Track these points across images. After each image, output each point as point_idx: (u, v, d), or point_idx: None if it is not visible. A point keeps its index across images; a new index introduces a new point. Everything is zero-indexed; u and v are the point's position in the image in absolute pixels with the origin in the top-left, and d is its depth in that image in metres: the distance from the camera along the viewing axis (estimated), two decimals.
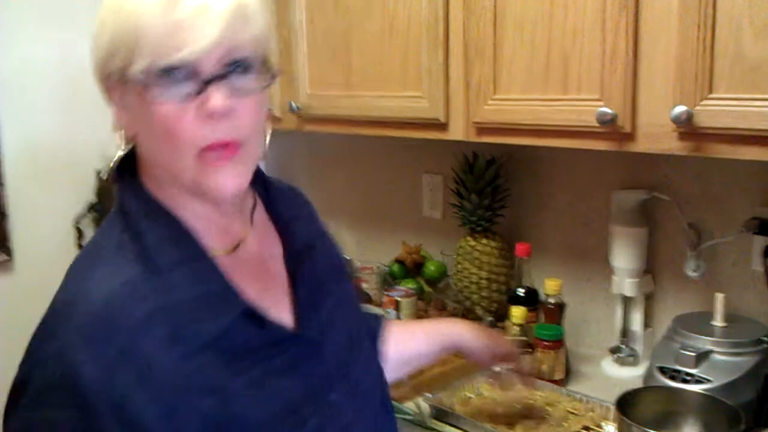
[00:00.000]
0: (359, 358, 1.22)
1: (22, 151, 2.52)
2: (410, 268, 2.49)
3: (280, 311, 1.11)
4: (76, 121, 2.54)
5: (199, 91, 0.94)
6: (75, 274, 1.01)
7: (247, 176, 1.02)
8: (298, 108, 2.26)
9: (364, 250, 2.82)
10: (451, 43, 1.82)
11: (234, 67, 0.96)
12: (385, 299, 2.14)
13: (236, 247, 1.09)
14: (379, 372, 1.29)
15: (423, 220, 2.59)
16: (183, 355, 0.95)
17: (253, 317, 1.03)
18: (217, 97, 0.93)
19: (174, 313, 0.96)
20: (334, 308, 1.19)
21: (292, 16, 2.24)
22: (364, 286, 2.40)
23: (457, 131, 1.85)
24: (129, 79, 0.94)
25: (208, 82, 0.93)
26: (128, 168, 1.07)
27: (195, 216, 1.04)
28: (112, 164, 1.07)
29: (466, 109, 1.81)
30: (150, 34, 0.92)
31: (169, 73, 0.93)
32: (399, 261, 2.51)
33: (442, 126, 1.88)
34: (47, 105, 2.53)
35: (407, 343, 1.50)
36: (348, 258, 2.53)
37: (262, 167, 1.15)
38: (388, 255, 2.60)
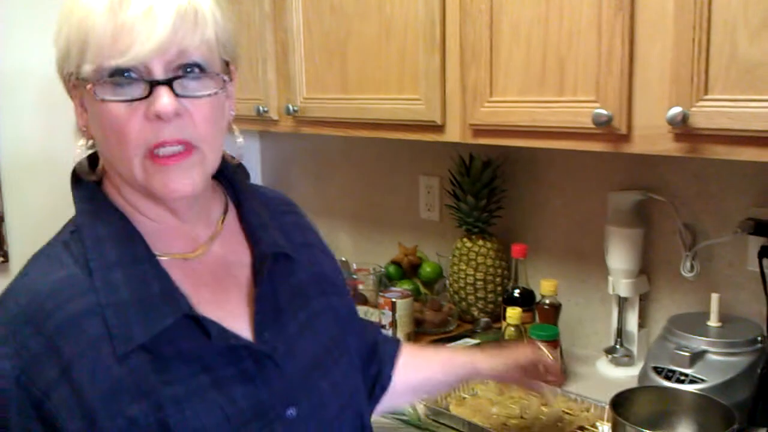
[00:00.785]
0: (332, 374, 1.16)
1: (18, 154, 2.53)
2: (407, 269, 2.49)
3: (238, 321, 1.08)
4: (72, 123, 2.54)
5: (148, 93, 0.95)
6: (22, 270, 1.03)
7: (200, 180, 1.01)
8: (295, 110, 2.27)
9: (361, 252, 2.82)
10: (447, 46, 1.82)
11: (185, 70, 0.97)
12: (381, 300, 2.15)
13: (197, 252, 1.08)
14: (357, 393, 1.23)
15: (420, 221, 2.60)
16: (113, 356, 0.94)
17: (198, 324, 1.00)
18: (163, 99, 0.94)
19: (106, 314, 0.95)
20: (307, 321, 1.16)
21: (289, 19, 2.25)
22: (361, 287, 2.41)
23: (454, 133, 1.85)
24: (80, 79, 0.97)
25: (155, 84, 0.94)
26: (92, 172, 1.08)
27: (150, 219, 1.05)
28: (74, 165, 1.08)
29: (462, 111, 1.81)
30: (98, 36, 0.93)
31: (117, 74, 0.94)
32: (395, 262, 2.51)
33: (439, 128, 1.89)
34: (43, 107, 2.54)
35: (422, 369, 1.46)
36: (343, 271, 2.53)
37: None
38: (384, 256, 2.60)
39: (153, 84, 0.94)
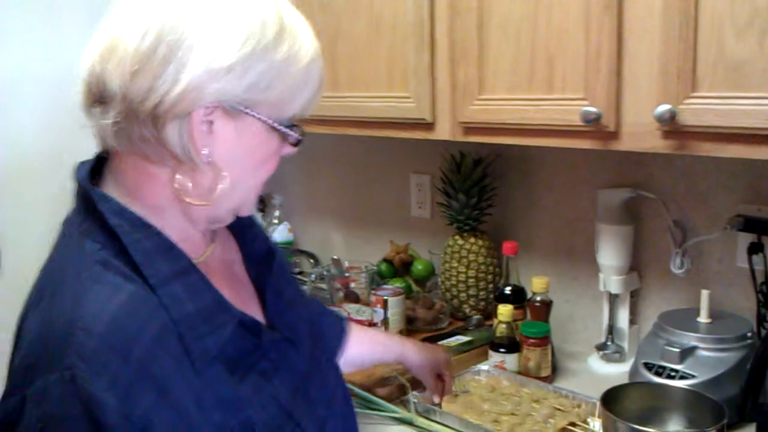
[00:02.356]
0: (324, 353, 1.26)
1: (10, 156, 2.52)
2: (398, 267, 2.50)
3: (253, 314, 1.11)
4: (65, 124, 2.53)
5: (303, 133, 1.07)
6: (57, 295, 0.96)
7: None
8: None
9: (353, 250, 2.83)
10: (436, 44, 1.82)
11: None
12: (373, 298, 2.15)
13: (206, 254, 1.11)
14: (337, 365, 1.33)
15: (411, 219, 2.60)
16: (195, 370, 0.95)
17: (247, 326, 1.04)
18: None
19: (180, 329, 0.95)
20: (292, 305, 1.22)
21: None
22: (352, 285, 2.41)
23: (444, 131, 1.86)
24: (260, 117, 1.01)
25: (300, 127, 1.07)
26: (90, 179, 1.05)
27: (173, 225, 1.04)
28: (82, 170, 1.04)
29: (452, 109, 1.81)
30: (313, 88, 1.06)
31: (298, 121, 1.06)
32: (387, 260, 2.51)
33: (429, 126, 1.89)
34: (36, 109, 2.53)
35: (368, 345, 1.63)
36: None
37: None
38: (376, 254, 2.61)
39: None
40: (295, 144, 1.07)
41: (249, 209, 1.11)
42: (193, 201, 1.02)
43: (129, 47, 0.94)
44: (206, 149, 0.98)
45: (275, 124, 1.02)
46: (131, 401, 0.87)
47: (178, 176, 1.00)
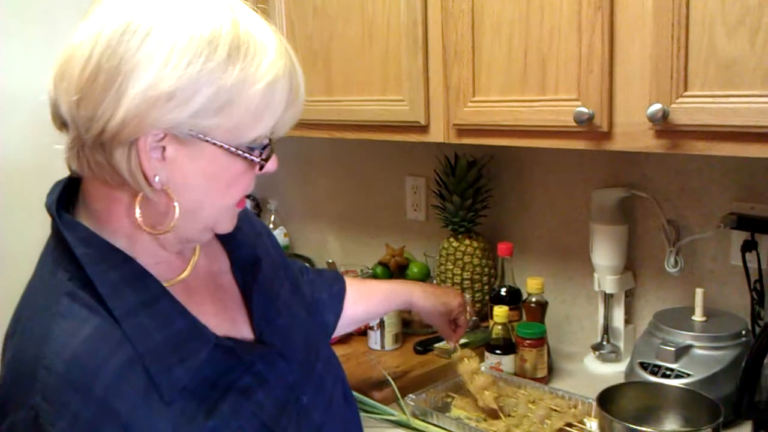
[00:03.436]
0: (320, 357, 1.23)
1: (7, 173, 2.52)
2: (394, 270, 2.49)
3: (239, 326, 1.11)
4: (56, 131, 2.53)
5: (270, 155, 1.02)
6: (28, 327, 0.95)
7: None
8: None
9: (348, 253, 2.83)
10: (430, 47, 1.83)
11: None
12: None
13: (188, 270, 1.08)
14: (338, 366, 1.30)
15: (407, 222, 2.61)
16: (162, 402, 0.93)
17: (222, 345, 1.01)
18: (275, 160, 1.03)
19: (146, 362, 0.92)
20: (286, 312, 1.20)
21: (272, 23, 2.23)
22: None
23: (438, 133, 1.86)
24: (215, 142, 0.94)
25: (268, 147, 1.01)
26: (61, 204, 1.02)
27: (144, 249, 1.00)
28: (50, 196, 1.02)
29: (446, 112, 1.82)
30: (276, 111, 0.99)
31: (265, 142, 1.00)
32: (383, 263, 2.51)
33: (423, 128, 1.89)
34: (28, 115, 2.53)
35: (364, 302, 1.63)
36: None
37: None
38: (372, 257, 2.61)
39: (269, 147, 1.01)
40: (262, 167, 1.01)
41: (226, 227, 1.05)
42: (152, 231, 0.98)
43: (74, 74, 0.91)
44: (158, 176, 0.94)
45: (234, 149, 0.96)
46: None
47: (137, 203, 0.96)
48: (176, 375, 0.94)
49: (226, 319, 1.08)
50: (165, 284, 1.00)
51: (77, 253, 0.95)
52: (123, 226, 0.99)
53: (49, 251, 1.01)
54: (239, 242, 1.19)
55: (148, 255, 1.00)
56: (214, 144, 0.94)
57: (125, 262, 0.97)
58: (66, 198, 1.02)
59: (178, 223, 0.97)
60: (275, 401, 1.06)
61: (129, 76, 0.89)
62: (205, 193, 0.98)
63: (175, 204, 0.96)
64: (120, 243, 0.98)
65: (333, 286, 1.60)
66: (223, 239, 1.18)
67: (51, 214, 0.99)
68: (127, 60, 0.89)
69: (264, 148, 1.00)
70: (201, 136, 0.93)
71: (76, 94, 0.91)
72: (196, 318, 1.00)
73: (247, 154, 0.97)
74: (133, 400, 0.90)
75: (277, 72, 0.96)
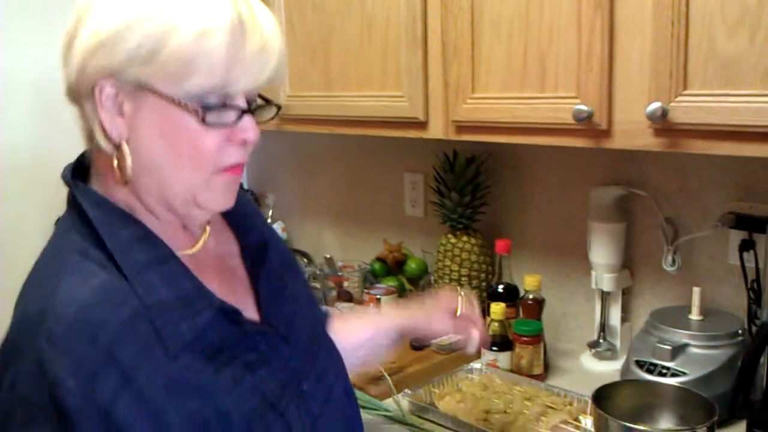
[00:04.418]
0: (323, 348, 1.25)
1: (5, 158, 2.52)
2: (391, 266, 2.50)
3: (246, 307, 1.12)
4: (58, 125, 2.52)
5: (237, 120, 0.99)
6: (37, 284, 1.00)
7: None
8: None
9: (346, 249, 2.83)
10: (429, 43, 1.83)
11: (258, 102, 1.05)
12: (366, 297, 2.15)
13: (197, 247, 1.11)
14: (340, 360, 1.30)
15: (405, 218, 2.61)
16: (165, 357, 0.95)
17: (227, 314, 1.04)
18: (254, 128, 1.01)
19: (152, 315, 0.96)
20: (293, 301, 1.22)
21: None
22: (346, 284, 2.41)
23: (437, 130, 1.86)
24: (160, 92, 0.96)
25: (244, 113, 1.00)
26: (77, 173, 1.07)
27: (154, 219, 1.05)
28: (67, 168, 1.07)
29: (445, 108, 1.82)
30: (213, 62, 0.95)
31: (216, 100, 0.98)
32: (380, 259, 2.52)
33: (422, 125, 1.89)
34: (29, 110, 2.53)
35: (352, 335, 1.48)
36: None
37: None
38: (370, 253, 2.61)
39: (243, 112, 1.00)
40: (207, 120, 0.98)
41: (215, 202, 1.05)
42: (118, 180, 1.02)
43: (61, 44, 1.01)
44: (118, 131, 0.99)
45: (177, 100, 0.96)
46: (95, 385, 0.89)
47: (114, 161, 1.01)
48: (181, 330, 0.97)
49: (234, 300, 1.08)
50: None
51: (90, 214, 1.00)
52: (122, 192, 1.03)
53: (65, 220, 1.06)
54: (250, 226, 1.22)
55: (151, 224, 1.04)
56: (156, 93, 0.96)
57: (135, 223, 1.02)
58: (82, 170, 1.07)
59: (147, 185, 1.01)
60: (277, 381, 1.08)
61: (78, 31, 0.97)
62: (164, 153, 1.00)
63: (127, 154, 1.00)
64: (129, 209, 1.04)
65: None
66: (234, 224, 1.21)
67: (66, 182, 1.05)
68: (78, 18, 0.98)
69: (242, 113, 1.00)
70: (142, 83, 0.96)
71: (62, 60, 1.01)
72: (202, 283, 1.03)
73: (190, 103, 0.97)
74: (136, 351, 0.92)
75: (211, 23, 0.95)
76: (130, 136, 0.99)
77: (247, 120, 1.01)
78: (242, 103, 1.00)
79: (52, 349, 0.90)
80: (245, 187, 3.04)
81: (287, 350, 1.13)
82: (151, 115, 0.98)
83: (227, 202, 1.07)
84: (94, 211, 1.01)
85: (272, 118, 1.08)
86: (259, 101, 1.06)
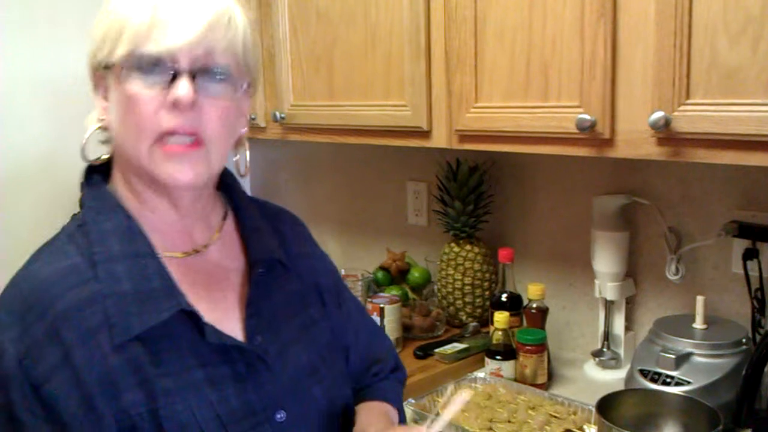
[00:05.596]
0: (326, 382, 1.19)
1: (9, 159, 2.52)
2: (395, 274, 2.50)
3: (232, 322, 1.11)
4: (64, 129, 2.53)
5: (170, 82, 1.00)
6: (28, 261, 1.06)
7: (203, 174, 1.06)
8: (282, 117, 2.27)
9: (350, 258, 2.83)
10: (432, 53, 1.83)
11: (209, 71, 1.02)
12: (369, 306, 2.15)
13: (195, 252, 1.12)
14: (348, 401, 1.24)
15: (408, 227, 2.61)
16: (110, 345, 0.97)
17: (194, 321, 1.03)
18: (183, 88, 1.00)
19: (107, 304, 0.98)
20: (303, 328, 1.19)
21: (276, 27, 2.25)
22: None
23: (440, 139, 1.86)
24: (110, 64, 1.02)
25: (177, 75, 1.00)
26: (101, 173, 1.13)
27: (154, 215, 1.09)
28: (89, 162, 1.13)
29: (448, 117, 1.82)
30: (135, 23, 1.00)
31: (145, 62, 1.00)
32: (384, 268, 2.51)
33: (426, 134, 1.90)
34: (35, 114, 2.53)
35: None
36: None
37: (247, 179, 1.16)
38: (373, 262, 2.61)
39: (177, 74, 1.00)
40: (143, 83, 1.01)
41: (164, 172, 1.02)
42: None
43: None
44: (106, 118, 1.08)
45: (118, 66, 1.01)
46: (35, 357, 0.95)
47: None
48: (131, 323, 0.99)
49: (218, 309, 1.09)
50: (161, 252, 1.06)
51: (86, 204, 1.08)
52: (125, 186, 1.10)
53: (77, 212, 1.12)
54: (261, 247, 1.19)
55: (153, 219, 1.09)
56: (109, 68, 1.03)
57: (126, 218, 1.06)
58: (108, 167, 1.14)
59: (126, 167, 1.08)
60: (248, 402, 1.06)
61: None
62: (120, 126, 1.05)
63: (113, 137, 1.08)
64: (131, 203, 1.09)
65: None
66: (246, 239, 1.20)
67: (84, 174, 1.13)
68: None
69: (175, 75, 1.00)
70: (102, 63, 1.04)
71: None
72: (176, 285, 1.03)
73: (129, 72, 1.01)
74: (81, 334, 0.97)
75: None
76: (111, 119, 1.06)
77: (179, 81, 1.00)
78: (180, 67, 1.00)
79: (4, 316, 0.98)
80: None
81: (265, 374, 1.09)
82: (114, 93, 1.04)
83: (180, 177, 1.03)
84: (90, 202, 1.08)
85: (231, 98, 1.07)
86: (219, 75, 1.04)
